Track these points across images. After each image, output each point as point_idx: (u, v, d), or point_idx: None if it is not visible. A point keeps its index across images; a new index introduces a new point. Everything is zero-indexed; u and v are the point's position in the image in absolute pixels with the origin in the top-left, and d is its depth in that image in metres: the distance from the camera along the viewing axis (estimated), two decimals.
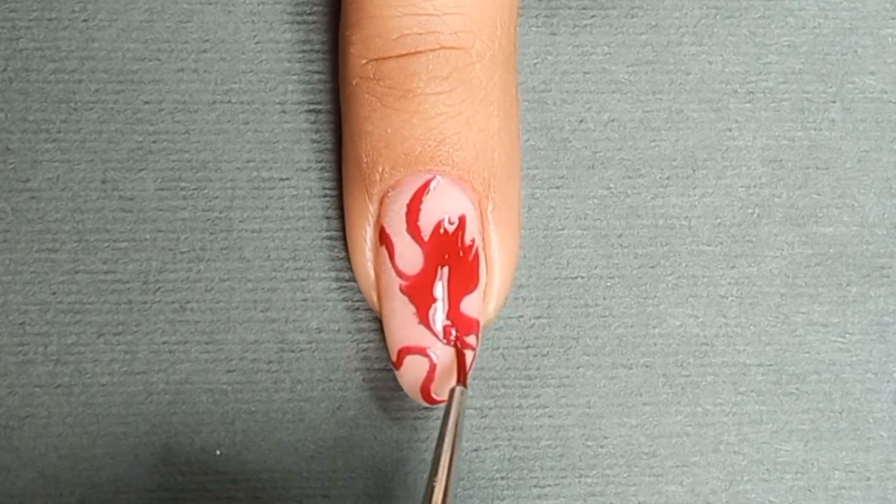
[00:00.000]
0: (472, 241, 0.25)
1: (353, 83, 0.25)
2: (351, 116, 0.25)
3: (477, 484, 0.27)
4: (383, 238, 0.25)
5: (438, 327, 0.25)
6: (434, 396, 0.25)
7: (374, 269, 0.26)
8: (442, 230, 0.25)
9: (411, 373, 0.25)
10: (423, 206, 0.25)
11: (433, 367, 0.25)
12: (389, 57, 0.25)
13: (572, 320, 0.27)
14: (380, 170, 0.25)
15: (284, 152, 0.27)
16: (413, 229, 0.25)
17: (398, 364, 0.25)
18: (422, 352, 0.25)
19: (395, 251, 0.25)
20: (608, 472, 0.27)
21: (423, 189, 0.25)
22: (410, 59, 0.25)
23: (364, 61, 0.25)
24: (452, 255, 0.25)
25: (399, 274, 0.25)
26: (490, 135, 0.25)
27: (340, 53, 0.26)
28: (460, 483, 0.27)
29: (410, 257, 0.25)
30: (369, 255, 0.26)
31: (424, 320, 0.25)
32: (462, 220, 0.25)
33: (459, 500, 0.27)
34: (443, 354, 0.25)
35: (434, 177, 0.25)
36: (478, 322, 0.25)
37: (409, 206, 0.25)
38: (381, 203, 0.25)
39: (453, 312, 0.25)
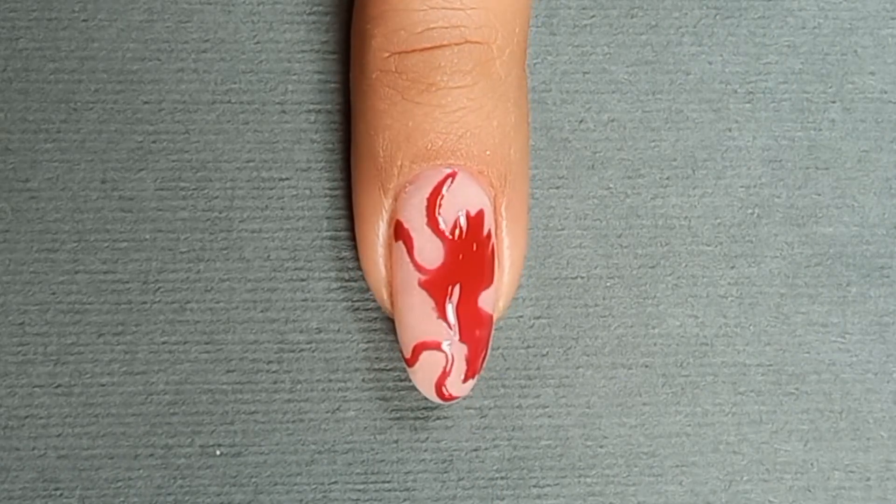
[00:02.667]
0: (490, 235, 0.25)
1: (373, 77, 0.25)
2: (367, 111, 0.25)
3: (477, 484, 0.27)
4: (400, 233, 0.25)
5: (453, 320, 0.25)
6: (448, 393, 0.25)
7: (386, 264, 0.25)
8: (461, 224, 0.25)
9: (427, 369, 0.25)
10: (443, 201, 0.25)
11: (449, 362, 0.25)
12: (413, 50, 0.25)
13: (572, 320, 0.27)
14: (398, 164, 0.25)
15: (284, 152, 0.27)
16: (433, 223, 0.25)
17: (412, 361, 0.25)
18: (438, 347, 0.25)
19: (415, 245, 0.25)
20: (608, 472, 0.27)
21: (443, 183, 0.25)
22: (435, 52, 0.25)
23: (386, 54, 0.25)
24: (471, 249, 0.25)
25: (419, 269, 0.25)
26: (507, 130, 0.25)
27: (356, 47, 0.26)
28: (460, 483, 0.27)
29: (431, 251, 0.25)
30: (382, 250, 0.25)
31: (443, 315, 0.25)
32: (480, 214, 0.25)
33: (459, 499, 0.27)
34: (457, 350, 0.25)
35: (454, 171, 0.25)
36: (492, 318, 0.25)
37: (428, 200, 0.25)
38: (396, 198, 0.25)
39: (472, 307, 0.25)
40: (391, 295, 0.25)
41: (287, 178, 0.27)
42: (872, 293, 0.28)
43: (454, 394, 0.25)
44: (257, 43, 0.27)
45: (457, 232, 0.25)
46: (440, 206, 0.25)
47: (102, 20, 0.27)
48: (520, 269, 0.26)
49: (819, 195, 0.28)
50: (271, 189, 0.27)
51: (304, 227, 0.27)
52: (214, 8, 0.27)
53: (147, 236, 0.27)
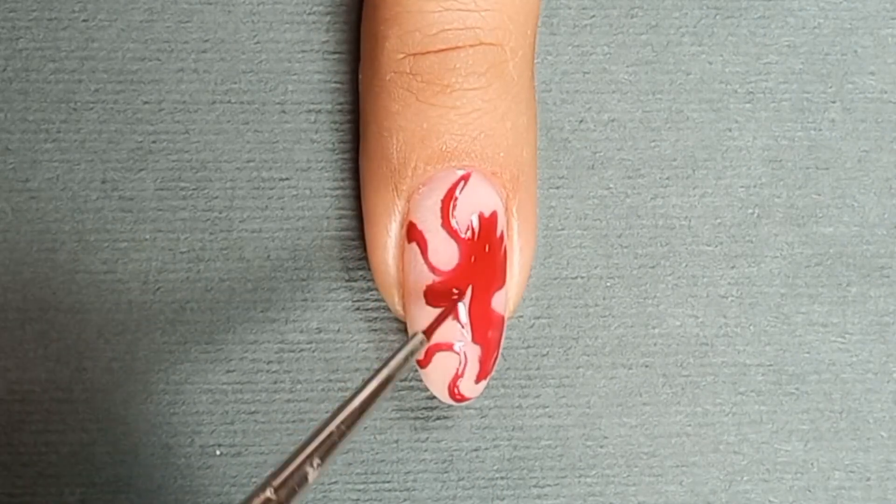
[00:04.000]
0: (502, 237, 0.25)
1: (386, 78, 0.25)
2: (379, 112, 0.25)
3: (477, 484, 0.27)
4: (413, 234, 0.25)
5: (466, 322, 0.25)
6: (460, 394, 0.25)
7: (398, 266, 0.25)
8: (475, 225, 0.25)
9: (440, 370, 0.25)
10: (457, 202, 0.25)
11: (462, 363, 0.25)
12: (428, 52, 0.25)
13: (572, 320, 0.27)
14: (412, 165, 0.25)
15: (284, 152, 0.27)
16: (447, 225, 0.25)
17: (425, 362, 0.25)
18: (451, 348, 0.25)
19: (429, 247, 0.25)
20: (608, 472, 0.27)
21: (457, 185, 0.25)
22: (450, 54, 0.25)
23: (401, 56, 0.25)
24: (484, 250, 0.25)
25: (433, 270, 0.25)
26: (520, 132, 0.25)
27: (369, 49, 0.26)
28: (460, 483, 0.27)
29: (445, 253, 0.25)
30: (393, 252, 0.25)
31: (456, 316, 0.25)
32: (494, 215, 0.25)
33: (460, 499, 0.27)
34: (470, 351, 0.25)
35: (468, 172, 0.25)
36: (504, 319, 0.25)
37: (443, 201, 0.25)
38: (409, 199, 0.25)
39: (485, 308, 0.25)
40: (403, 296, 0.25)
41: (287, 178, 0.27)
42: (872, 293, 0.28)
43: (466, 395, 0.25)
44: (257, 43, 0.27)
45: (471, 233, 0.25)
46: (454, 207, 0.25)
47: (102, 20, 0.27)
48: (528, 270, 0.26)
49: (819, 195, 0.28)
50: (271, 189, 0.27)
51: (304, 227, 0.27)
52: (214, 8, 0.27)
53: (147, 236, 0.27)
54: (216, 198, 0.27)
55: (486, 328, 0.25)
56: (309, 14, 0.28)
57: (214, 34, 0.27)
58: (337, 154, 0.27)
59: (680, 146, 0.28)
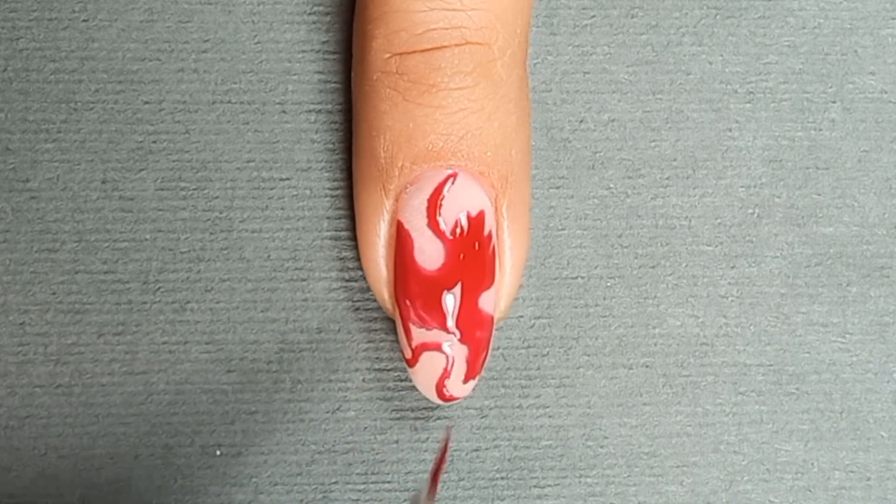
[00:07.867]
0: (490, 236, 0.25)
1: (374, 78, 0.25)
2: (369, 111, 0.25)
3: (477, 484, 0.27)
4: (401, 233, 0.25)
5: (451, 323, 0.25)
6: (448, 393, 0.25)
7: (387, 265, 0.25)
8: (462, 225, 0.25)
9: (427, 370, 0.25)
10: (444, 202, 0.25)
11: (449, 363, 0.25)
12: (414, 51, 0.25)
13: (572, 320, 0.27)
14: (399, 165, 0.25)
15: (284, 152, 0.27)
16: (434, 224, 0.25)
17: (413, 361, 0.25)
18: (439, 347, 0.25)
19: (415, 246, 0.25)
20: (608, 472, 0.27)
21: (444, 184, 0.25)
22: (436, 53, 0.25)
23: (387, 55, 0.25)
24: (472, 249, 0.25)
25: (419, 270, 0.25)
26: (509, 131, 0.25)
27: (358, 48, 0.26)
28: (460, 483, 0.27)
29: (432, 252, 0.25)
30: (383, 251, 0.25)
31: (445, 325, 0.25)
32: (481, 215, 0.25)
33: (460, 499, 0.27)
34: (458, 351, 0.25)
35: (455, 172, 0.25)
36: (493, 319, 0.25)
37: (429, 200, 0.25)
38: (397, 199, 0.25)
39: (472, 308, 0.25)
40: (392, 295, 0.25)
41: (287, 178, 0.27)
42: (872, 293, 0.28)
43: (454, 394, 0.25)
44: (257, 43, 0.27)
45: (458, 232, 0.25)
46: (441, 206, 0.25)
47: (102, 20, 0.27)
48: (521, 269, 0.26)
49: (819, 195, 0.28)
50: (271, 189, 0.27)
51: (304, 227, 0.27)
52: (214, 8, 0.27)
53: (147, 236, 0.27)
54: (216, 198, 0.27)
55: (473, 328, 0.25)
56: (309, 14, 0.28)
57: (214, 34, 0.27)
58: (337, 154, 0.27)
59: (680, 146, 0.28)
